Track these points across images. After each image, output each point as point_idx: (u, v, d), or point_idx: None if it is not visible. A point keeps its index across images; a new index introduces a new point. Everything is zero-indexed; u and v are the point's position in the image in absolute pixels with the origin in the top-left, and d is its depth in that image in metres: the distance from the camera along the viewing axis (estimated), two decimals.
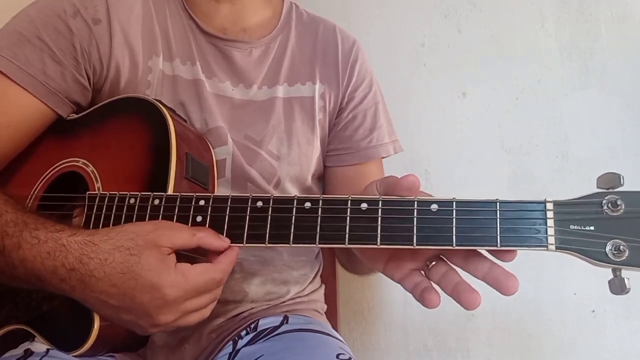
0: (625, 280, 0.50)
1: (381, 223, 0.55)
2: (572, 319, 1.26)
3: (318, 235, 0.56)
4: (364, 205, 0.56)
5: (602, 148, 1.26)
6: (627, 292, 0.50)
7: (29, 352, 0.65)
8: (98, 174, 0.69)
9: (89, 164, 0.71)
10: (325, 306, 0.95)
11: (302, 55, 0.88)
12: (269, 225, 0.58)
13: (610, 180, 0.51)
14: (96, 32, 0.75)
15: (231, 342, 0.77)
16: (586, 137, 1.27)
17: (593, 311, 1.25)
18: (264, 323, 0.79)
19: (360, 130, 0.90)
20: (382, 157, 0.93)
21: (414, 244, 0.54)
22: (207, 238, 0.59)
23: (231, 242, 0.61)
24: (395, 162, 1.35)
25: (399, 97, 1.38)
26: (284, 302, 0.85)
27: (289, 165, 0.83)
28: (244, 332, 0.77)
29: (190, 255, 0.62)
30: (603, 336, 1.24)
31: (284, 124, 0.83)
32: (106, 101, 0.75)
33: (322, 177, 0.93)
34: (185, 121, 0.77)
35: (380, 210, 0.55)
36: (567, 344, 1.26)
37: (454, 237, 0.53)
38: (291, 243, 0.57)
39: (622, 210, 0.50)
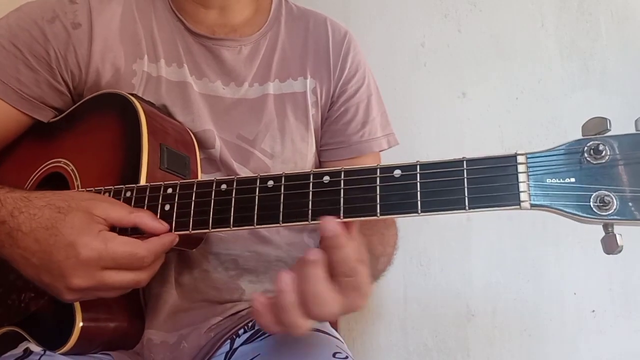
0: (618, 237, 0.44)
1: (344, 195, 0.52)
2: (572, 319, 1.26)
3: (281, 214, 0.54)
4: (326, 178, 0.53)
5: None
6: (620, 251, 0.44)
7: (28, 351, 0.65)
8: (77, 172, 0.70)
9: (69, 163, 0.71)
10: None
11: (293, 50, 0.86)
12: (232, 208, 0.57)
13: (597, 126, 0.46)
14: (74, 36, 0.74)
15: (229, 341, 0.77)
16: None
17: (593, 311, 1.25)
18: None
19: (352, 124, 0.89)
20: (377, 151, 0.92)
21: (378, 214, 0.51)
22: (144, 218, 0.58)
23: (198, 229, 0.59)
24: (396, 161, 1.35)
25: (399, 97, 1.38)
26: None
27: (282, 163, 0.82)
28: (241, 331, 0.77)
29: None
30: (603, 336, 1.24)
31: (276, 122, 0.82)
32: (83, 100, 0.75)
33: None
34: (168, 115, 0.77)
35: (342, 181, 0.53)
36: (567, 344, 1.26)
37: (419, 203, 0.49)
38: (255, 224, 0.55)
39: (607, 158, 0.44)
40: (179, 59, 0.79)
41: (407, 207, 0.50)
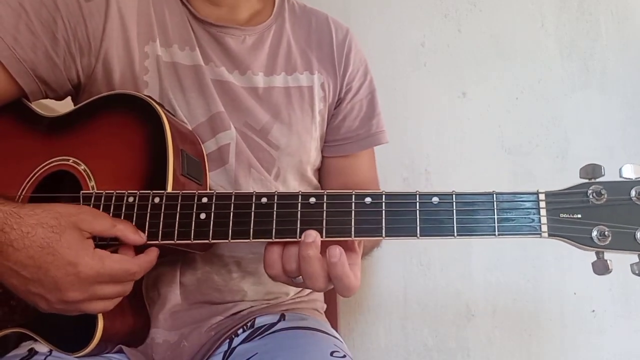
0: (608, 262, 0.54)
1: (385, 216, 0.58)
2: (572, 319, 1.26)
3: (325, 229, 0.58)
4: (368, 200, 0.58)
5: (602, 148, 1.26)
6: (610, 273, 0.54)
7: (33, 352, 0.65)
8: (91, 173, 0.68)
9: (80, 163, 0.69)
10: (325, 305, 0.95)
11: (298, 45, 0.88)
12: (274, 221, 0.60)
13: (593, 171, 0.55)
14: (86, 9, 0.73)
15: (227, 340, 0.76)
16: (586, 137, 1.27)
17: (593, 311, 1.25)
18: (261, 321, 0.79)
19: (359, 120, 0.91)
20: (382, 143, 0.94)
21: (418, 236, 0.56)
22: (126, 231, 0.61)
23: (237, 239, 0.60)
24: (396, 161, 1.35)
25: (399, 97, 1.38)
26: (284, 301, 0.85)
27: (288, 156, 0.83)
28: (240, 330, 0.77)
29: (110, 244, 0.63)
30: (603, 336, 1.24)
31: (283, 114, 0.83)
32: (94, 98, 0.73)
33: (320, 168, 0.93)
34: (174, 116, 0.76)
35: (384, 204, 0.58)
36: (567, 344, 1.26)
37: (454, 227, 0.56)
38: (297, 237, 0.58)
39: (605, 199, 0.54)
40: (190, 43, 0.80)
41: (444, 230, 0.57)
